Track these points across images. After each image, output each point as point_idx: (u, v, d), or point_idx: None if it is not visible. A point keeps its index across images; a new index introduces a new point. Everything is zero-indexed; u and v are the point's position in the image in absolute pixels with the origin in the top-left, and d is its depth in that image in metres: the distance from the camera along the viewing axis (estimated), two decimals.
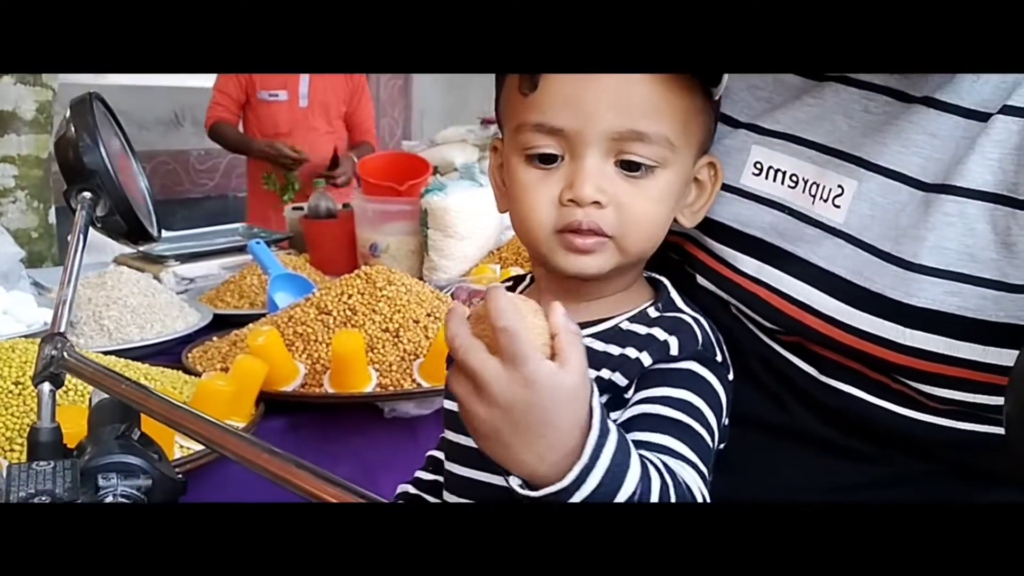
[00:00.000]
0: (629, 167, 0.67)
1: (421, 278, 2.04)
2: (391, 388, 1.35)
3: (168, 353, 1.62)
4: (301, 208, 2.37)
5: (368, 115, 3.65)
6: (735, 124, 0.77)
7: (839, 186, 0.70)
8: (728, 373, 0.71)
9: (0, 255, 1.91)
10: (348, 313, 1.45)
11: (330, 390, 1.34)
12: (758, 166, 0.75)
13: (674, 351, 0.68)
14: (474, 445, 0.60)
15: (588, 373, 0.54)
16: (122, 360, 1.34)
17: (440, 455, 0.85)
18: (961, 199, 0.65)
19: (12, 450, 1.06)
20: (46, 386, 0.63)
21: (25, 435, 0.73)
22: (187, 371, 1.45)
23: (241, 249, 2.18)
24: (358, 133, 3.63)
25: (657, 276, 0.76)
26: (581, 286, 0.72)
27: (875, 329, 0.68)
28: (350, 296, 1.48)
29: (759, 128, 0.76)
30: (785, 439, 0.76)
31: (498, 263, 1.99)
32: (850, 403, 0.72)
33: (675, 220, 0.73)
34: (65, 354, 0.62)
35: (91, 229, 0.66)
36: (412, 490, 0.91)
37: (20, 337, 1.29)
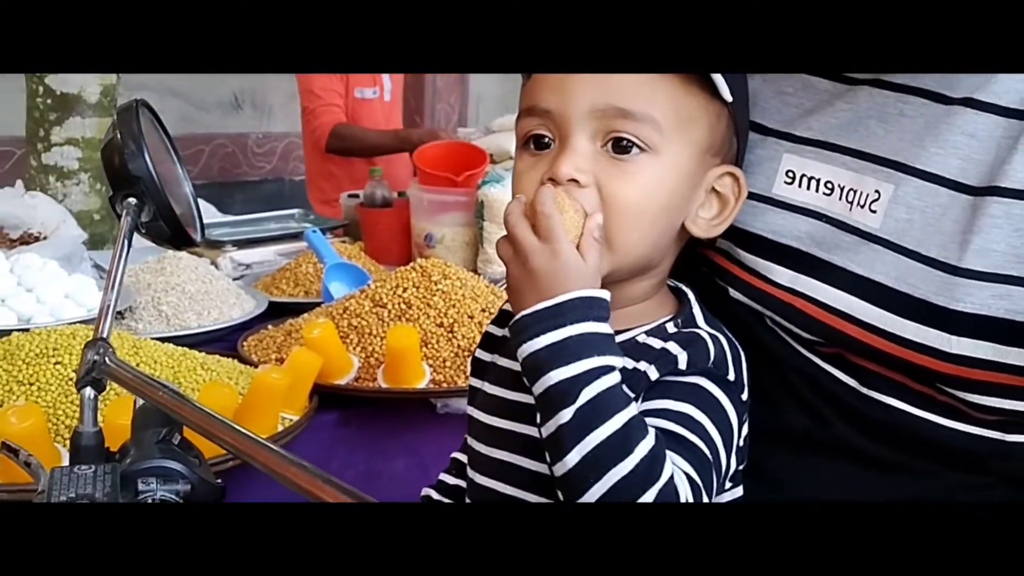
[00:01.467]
0: (615, 148, 0.66)
1: (475, 270, 2.02)
2: (444, 385, 1.34)
3: (224, 340, 1.63)
4: (357, 196, 2.37)
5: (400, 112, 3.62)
6: (765, 132, 0.75)
7: (876, 191, 0.69)
8: (742, 392, 0.69)
9: (63, 237, 1.94)
10: (403, 307, 1.44)
11: (384, 385, 1.33)
12: (790, 174, 0.74)
13: (682, 365, 0.65)
14: (496, 456, 0.73)
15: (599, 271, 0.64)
16: (180, 348, 1.34)
17: (464, 459, 0.84)
18: (1007, 200, 0.64)
19: (70, 437, 1.07)
20: (88, 390, 0.63)
21: None
22: (242, 360, 1.46)
23: (297, 235, 2.19)
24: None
25: (683, 287, 0.74)
26: None
27: (920, 337, 0.66)
28: (405, 289, 1.47)
29: (791, 136, 0.74)
30: (827, 454, 0.73)
31: None
32: (894, 416, 0.70)
33: (686, 230, 0.70)
34: (107, 360, 0.62)
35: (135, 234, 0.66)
36: (435, 495, 0.90)
37: (80, 323, 1.30)
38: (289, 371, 1.22)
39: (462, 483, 0.84)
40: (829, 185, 0.71)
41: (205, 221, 2.67)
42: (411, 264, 1.54)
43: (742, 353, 0.70)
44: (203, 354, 1.39)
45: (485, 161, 2.14)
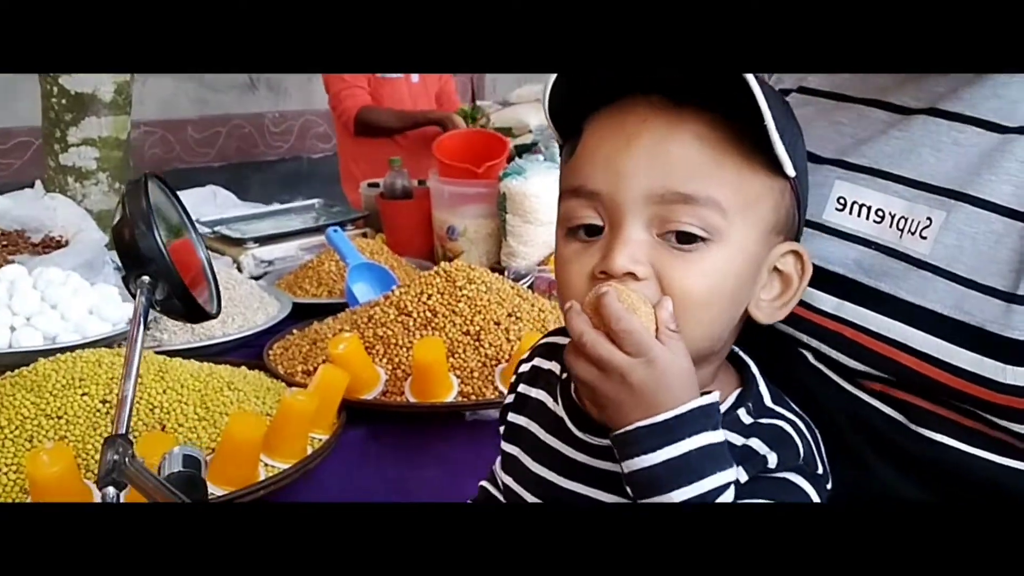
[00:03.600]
0: (675, 238, 0.60)
1: (499, 262, 2.00)
2: (473, 397, 1.32)
3: (250, 346, 1.62)
4: (377, 185, 2.34)
5: (453, 87, 3.53)
6: (818, 160, 0.74)
7: (928, 218, 0.67)
8: (827, 483, 0.66)
9: (85, 242, 1.93)
10: (428, 315, 1.42)
11: (412, 399, 1.31)
12: (842, 201, 0.72)
13: (772, 465, 0.62)
14: (530, 498, 0.71)
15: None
16: (206, 366, 1.33)
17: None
18: None
19: None
20: (110, 490, 0.61)
21: None
22: (268, 371, 1.45)
23: (319, 229, 2.17)
24: (449, 104, 3.45)
25: (741, 354, 0.70)
26: None
27: (974, 366, 0.64)
28: (430, 296, 1.44)
29: (844, 163, 0.73)
30: (859, 498, 0.71)
31: None
32: (942, 453, 0.68)
33: (755, 320, 0.65)
34: (127, 461, 0.59)
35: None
36: (490, 488, 0.86)
37: (105, 348, 1.29)
38: (316, 392, 1.21)
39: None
40: (880, 213, 0.70)
41: (224, 212, 2.65)
42: (435, 269, 1.52)
43: (818, 434, 0.67)
44: (229, 369, 1.38)
45: (505, 150, 2.10)
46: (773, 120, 0.57)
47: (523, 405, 0.76)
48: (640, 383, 0.57)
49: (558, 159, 2.01)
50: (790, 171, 0.61)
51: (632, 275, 0.60)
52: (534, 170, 1.90)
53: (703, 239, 0.60)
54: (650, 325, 0.58)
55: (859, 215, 0.71)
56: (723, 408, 0.65)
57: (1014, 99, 0.66)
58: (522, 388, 0.77)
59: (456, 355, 1.36)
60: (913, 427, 0.69)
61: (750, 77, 0.56)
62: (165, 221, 0.65)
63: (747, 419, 0.65)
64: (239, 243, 2.12)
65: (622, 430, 0.58)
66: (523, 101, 3.51)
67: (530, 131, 3.28)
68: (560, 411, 0.71)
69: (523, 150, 2.67)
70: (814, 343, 0.73)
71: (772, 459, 0.62)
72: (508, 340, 1.39)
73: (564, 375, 0.73)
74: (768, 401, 0.67)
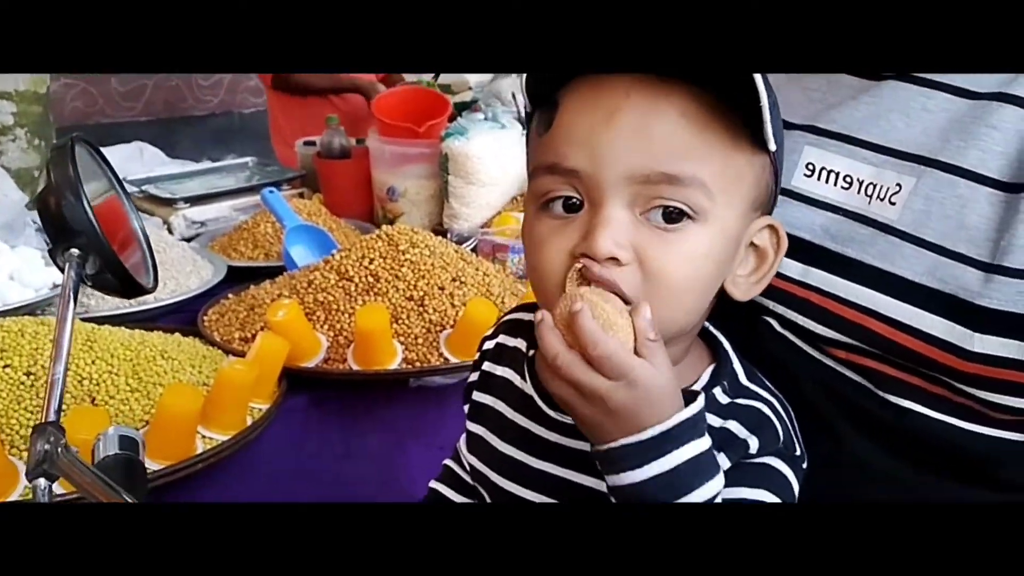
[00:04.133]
0: (658, 218, 0.57)
1: (441, 224, 1.96)
2: (418, 363, 1.29)
3: (183, 311, 1.56)
4: (313, 143, 2.27)
5: None
6: (788, 127, 0.72)
7: (897, 184, 0.67)
8: (803, 463, 0.66)
9: (3, 203, 1.83)
10: (370, 280, 1.38)
11: (354, 366, 1.28)
12: (810, 167, 0.72)
13: (753, 450, 0.61)
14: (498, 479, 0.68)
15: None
16: (137, 334, 1.28)
17: (456, 468, 0.81)
18: None
19: (26, 449, 1.01)
20: (41, 481, 0.56)
21: None
22: (203, 337, 1.40)
23: (253, 189, 2.10)
24: None
25: (710, 329, 0.68)
26: None
27: (943, 333, 0.64)
28: (371, 260, 1.41)
29: (814, 128, 0.73)
30: (848, 477, 0.72)
31: (522, 211, 1.90)
32: (908, 419, 0.69)
33: (724, 291, 0.63)
34: (59, 451, 0.55)
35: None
36: (443, 489, 0.84)
37: (28, 317, 1.23)
38: (255, 361, 1.17)
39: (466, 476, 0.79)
40: (848, 179, 0.69)
41: (152, 170, 2.55)
42: (377, 232, 1.48)
43: (791, 412, 0.66)
44: (162, 337, 1.33)
45: (447, 109, 2.05)
46: (767, 94, 0.55)
47: (488, 384, 0.74)
48: (622, 405, 0.54)
49: (501, 119, 1.98)
50: (772, 146, 0.59)
51: (615, 260, 0.57)
52: (476, 130, 1.86)
53: (688, 217, 0.57)
54: (628, 339, 0.55)
55: (827, 181, 0.70)
56: (698, 387, 0.64)
57: None
58: (487, 366, 0.75)
59: (400, 321, 1.34)
60: (880, 393, 0.69)
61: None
62: (94, 189, 0.60)
63: (724, 399, 0.64)
64: (169, 203, 2.03)
65: (605, 447, 0.55)
66: None
67: (469, 88, 3.22)
68: (529, 388, 0.69)
69: (462, 107, 2.62)
70: (780, 309, 0.73)
71: (753, 444, 0.61)
72: (453, 305, 1.36)
73: (531, 352, 0.70)
74: (743, 379, 0.66)
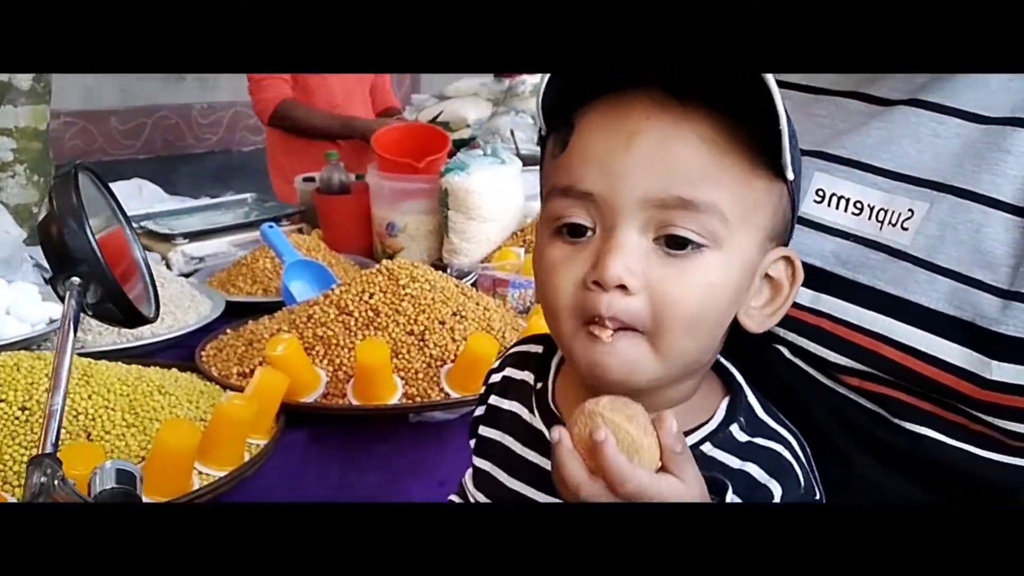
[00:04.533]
0: (672, 244, 0.55)
1: (441, 259, 1.96)
2: (418, 399, 1.28)
3: (181, 346, 1.55)
4: (312, 179, 2.27)
5: (388, 78, 3.38)
6: None
7: (909, 210, 0.66)
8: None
9: (1, 239, 1.83)
10: (370, 315, 1.37)
11: (354, 401, 1.27)
12: (820, 193, 0.71)
13: (777, 497, 0.59)
14: None
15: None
16: (134, 369, 1.26)
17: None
18: None
19: (20, 485, 0.99)
20: None
21: None
22: (201, 372, 1.38)
23: (252, 224, 2.10)
24: (384, 98, 3.25)
25: (724, 363, 0.67)
26: (627, 393, 0.58)
27: (961, 360, 0.63)
28: (371, 295, 1.40)
29: (823, 154, 0.72)
30: (843, 493, 0.70)
31: (522, 246, 1.90)
32: (924, 445, 0.67)
33: (737, 322, 0.61)
34: (56, 483, 0.53)
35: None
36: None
37: (24, 351, 1.21)
38: (253, 396, 1.15)
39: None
40: (859, 205, 0.69)
41: (151, 207, 2.55)
42: (377, 267, 1.47)
43: (808, 450, 0.65)
44: (160, 372, 1.31)
45: (446, 145, 2.06)
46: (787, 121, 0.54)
47: (495, 418, 0.72)
48: None
49: (500, 155, 1.98)
50: (791, 175, 0.58)
51: (624, 288, 0.55)
52: (476, 165, 1.86)
53: (703, 244, 0.56)
54: (654, 458, 0.52)
55: (837, 207, 0.70)
56: (714, 424, 0.62)
57: (994, 89, 0.66)
58: (493, 400, 0.73)
59: (400, 356, 1.32)
60: (895, 420, 0.68)
61: (767, 75, 0.52)
62: (97, 217, 0.59)
63: (742, 436, 0.62)
64: (168, 239, 2.03)
65: None
66: (460, 95, 3.47)
67: (468, 126, 3.24)
68: (538, 423, 0.68)
69: (461, 145, 2.63)
70: (791, 337, 0.71)
71: (776, 491, 0.59)
72: (453, 340, 1.35)
73: (539, 385, 0.69)
74: (760, 412, 0.64)
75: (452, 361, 1.31)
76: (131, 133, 4.23)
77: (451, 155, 2.05)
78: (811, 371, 0.72)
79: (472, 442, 0.75)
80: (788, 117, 0.55)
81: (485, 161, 1.90)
